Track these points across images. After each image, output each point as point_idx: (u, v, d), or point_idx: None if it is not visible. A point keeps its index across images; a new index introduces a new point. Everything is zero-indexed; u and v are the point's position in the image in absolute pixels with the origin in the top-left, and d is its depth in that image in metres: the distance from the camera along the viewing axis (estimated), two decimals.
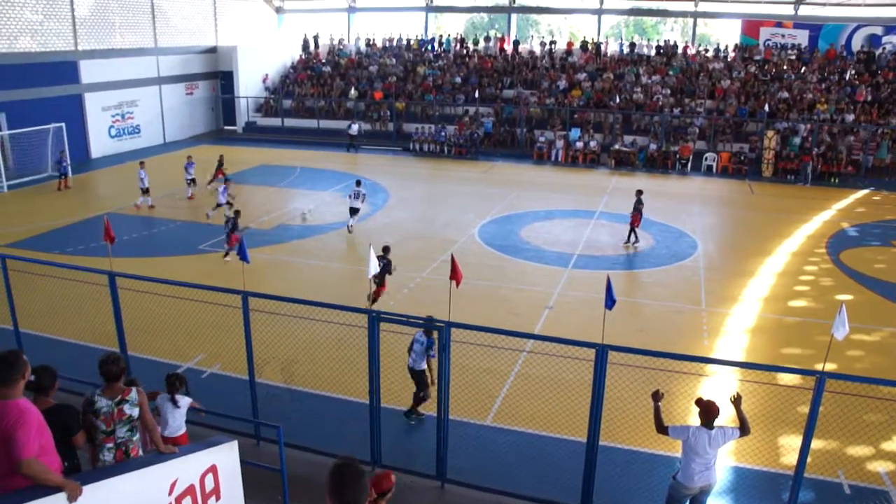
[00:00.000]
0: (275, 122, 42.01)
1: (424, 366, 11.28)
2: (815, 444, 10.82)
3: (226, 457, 6.97)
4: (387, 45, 47.10)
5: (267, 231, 22.41)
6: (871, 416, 12.02)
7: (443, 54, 45.22)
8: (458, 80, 41.81)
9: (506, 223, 23.58)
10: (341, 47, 47.68)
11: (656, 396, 8.29)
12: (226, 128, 43.33)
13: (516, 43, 45.75)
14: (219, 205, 22.85)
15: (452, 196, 27.23)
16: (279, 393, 12.06)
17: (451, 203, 26.24)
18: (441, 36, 47.87)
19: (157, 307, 13.95)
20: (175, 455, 6.61)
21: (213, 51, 42.66)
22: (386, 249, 16.40)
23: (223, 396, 10.90)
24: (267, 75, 44.85)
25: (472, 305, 15.97)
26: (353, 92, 42.02)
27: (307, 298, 11.16)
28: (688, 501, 8.43)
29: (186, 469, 6.60)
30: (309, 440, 10.27)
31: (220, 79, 43.14)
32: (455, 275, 9.57)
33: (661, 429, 8.27)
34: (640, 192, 21.90)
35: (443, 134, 37.13)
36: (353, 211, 21.86)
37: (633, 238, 21.52)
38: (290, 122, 41.58)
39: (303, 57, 47.35)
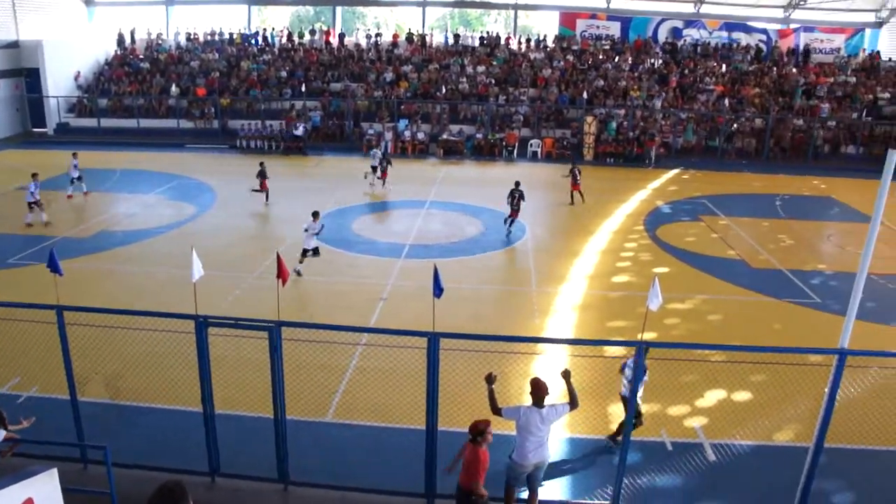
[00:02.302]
0: (90, 122, 39.47)
1: (629, 393, 10.52)
2: (640, 408, 11.59)
3: (44, 487, 6.47)
4: (208, 39, 45.41)
5: (86, 239, 21.07)
6: (687, 377, 12.98)
7: (267, 48, 44.23)
8: (284, 74, 41.07)
9: (337, 217, 23.43)
10: (160, 42, 45.49)
11: (489, 379, 8.54)
12: (34, 130, 40.24)
13: (342, 36, 45.52)
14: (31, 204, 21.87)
15: (282, 192, 26.69)
16: (105, 411, 11.40)
17: (281, 200, 25.70)
18: (265, 29, 46.76)
19: None
20: None
21: (14, 45, 39.34)
22: (517, 183, 22.03)
23: (44, 421, 10.12)
24: (79, 72, 42.01)
25: (307, 302, 15.83)
26: (174, 89, 40.24)
27: (131, 308, 10.64)
28: (525, 478, 8.76)
29: None
30: (142, 457, 9.78)
31: (25, 76, 39.89)
32: (281, 273, 9.41)
33: (496, 410, 8.55)
34: (575, 162, 26.28)
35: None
36: (313, 251, 18.34)
37: (575, 199, 26.09)
38: (108, 123, 39.22)
39: (118, 53, 44.71)
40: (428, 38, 44.77)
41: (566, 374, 8.69)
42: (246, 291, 16.91)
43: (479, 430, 8.08)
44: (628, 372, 10.64)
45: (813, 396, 10.47)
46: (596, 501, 9.64)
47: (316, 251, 18.10)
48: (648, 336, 14.42)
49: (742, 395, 12.79)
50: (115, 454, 8.28)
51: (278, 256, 9.61)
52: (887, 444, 11.23)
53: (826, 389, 8.99)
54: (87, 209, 24.39)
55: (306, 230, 18.06)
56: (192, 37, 45.49)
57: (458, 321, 14.63)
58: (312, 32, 45.93)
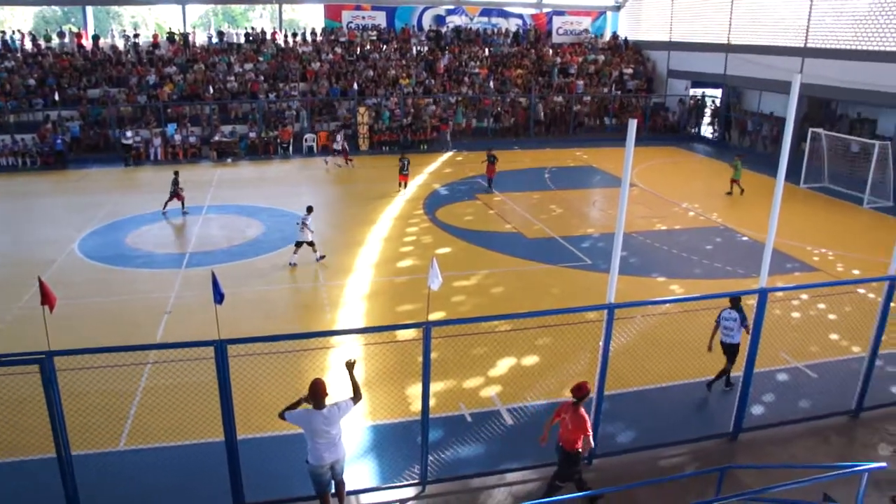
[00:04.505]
0: None
1: (739, 339, 11.86)
2: (437, 386, 11.99)
3: None
4: None
5: None
6: (478, 350, 13.60)
7: (9, 54, 40.21)
8: (33, 82, 37.57)
9: (109, 232, 21.91)
10: None
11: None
12: None
13: (96, 37, 42.36)
14: None
15: (43, 212, 24.53)
16: None
17: (43, 220, 23.52)
18: (4, 33, 42.50)
19: None
20: None
21: None
22: (402, 158, 27.14)
23: None
24: None
25: (86, 326, 14.84)
26: None
27: None
28: (328, 477, 8.68)
29: None
30: None
31: None
32: (47, 299, 8.64)
33: (282, 416, 8.43)
34: (490, 150, 27.77)
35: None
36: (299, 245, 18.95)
37: (491, 186, 27.37)
38: None
39: None
40: (191, 37, 42.86)
41: (349, 365, 8.63)
42: (10, 324, 15.41)
43: (586, 392, 8.89)
44: (728, 323, 12.05)
45: (592, 350, 11.32)
46: (405, 482, 9.84)
47: (311, 243, 18.87)
48: (437, 315, 14.94)
49: (530, 360, 13.56)
50: None
51: (41, 282, 8.84)
52: (654, 382, 12.45)
53: (601, 342, 9.81)
54: None
55: (300, 224, 18.80)
56: None
57: (250, 325, 14.31)
58: (61, 35, 42.30)
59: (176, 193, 23.73)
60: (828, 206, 26.20)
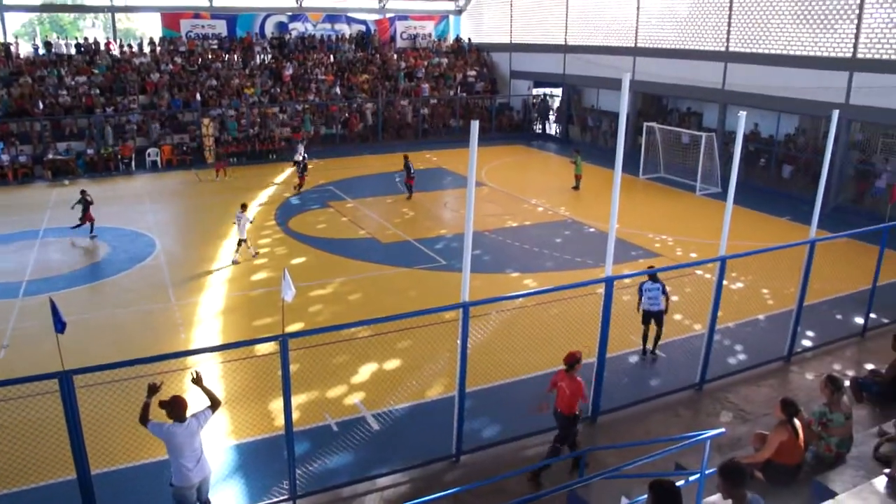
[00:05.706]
0: None
1: (663, 305, 13.47)
2: (300, 398, 11.88)
3: None
4: None
5: None
6: (339, 358, 13.54)
7: None
8: None
9: None
10: None
11: (151, 390, 8.04)
12: None
13: None
14: None
15: None
16: None
17: None
18: None
19: None
20: None
21: None
22: (302, 160, 28.25)
23: None
24: None
25: None
26: None
27: None
28: (195, 499, 8.36)
29: None
30: None
31: None
32: None
33: (144, 421, 8.04)
34: (406, 157, 27.52)
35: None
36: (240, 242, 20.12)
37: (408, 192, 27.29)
38: None
39: None
40: (13, 48, 39.99)
41: (197, 380, 8.29)
42: None
43: (577, 359, 9.72)
44: (652, 293, 13.52)
45: (451, 349, 11.50)
46: (274, 499, 9.66)
47: (244, 241, 19.95)
48: (295, 326, 14.74)
49: (392, 363, 13.65)
50: None
51: None
52: (514, 375, 12.83)
53: (458, 341, 9.99)
54: None
55: (238, 221, 19.88)
56: None
57: (98, 352, 13.54)
58: None
59: (86, 214, 22.20)
60: (665, 195, 27.87)
